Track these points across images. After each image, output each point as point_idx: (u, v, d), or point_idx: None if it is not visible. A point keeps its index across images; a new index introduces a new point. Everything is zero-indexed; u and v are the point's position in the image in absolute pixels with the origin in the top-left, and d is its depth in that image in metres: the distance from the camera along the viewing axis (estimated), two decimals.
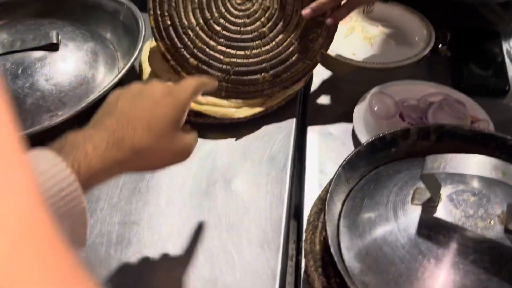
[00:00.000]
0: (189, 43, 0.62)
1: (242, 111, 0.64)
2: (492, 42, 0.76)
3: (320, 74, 0.74)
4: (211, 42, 0.62)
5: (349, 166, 0.49)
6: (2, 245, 0.14)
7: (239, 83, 0.63)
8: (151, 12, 0.62)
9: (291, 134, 0.64)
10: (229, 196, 0.56)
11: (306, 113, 0.69)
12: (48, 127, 0.58)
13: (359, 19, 0.83)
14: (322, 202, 0.49)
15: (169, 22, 0.62)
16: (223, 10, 0.62)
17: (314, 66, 0.65)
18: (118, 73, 0.65)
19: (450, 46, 0.77)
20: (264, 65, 0.63)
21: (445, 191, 0.42)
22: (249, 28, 0.62)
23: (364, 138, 0.60)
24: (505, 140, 0.49)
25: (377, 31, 0.81)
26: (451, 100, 0.65)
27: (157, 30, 0.63)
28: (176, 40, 0.62)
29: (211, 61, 0.63)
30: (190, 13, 0.62)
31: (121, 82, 0.70)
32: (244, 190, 0.57)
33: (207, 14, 0.62)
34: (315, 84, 0.72)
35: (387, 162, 0.52)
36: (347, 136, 0.64)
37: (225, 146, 0.63)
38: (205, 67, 0.63)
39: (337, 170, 0.47)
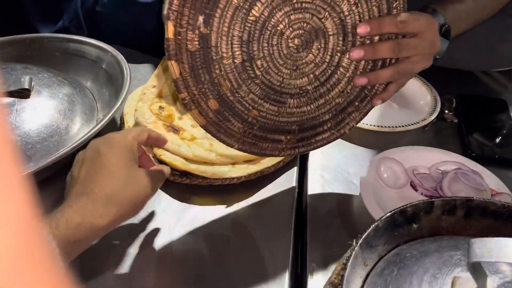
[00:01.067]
0: (216, 79, 0.47)
1: (235, 170, 0.56)
2: (500, 111, 0.73)
3: None
4: (244, 87, 0.48)
5: (366, 244, 0.41)
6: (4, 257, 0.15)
7: (259, 139, 0.52)
8: (172, 17, 0.42)
9: (291, 204, 0.56)
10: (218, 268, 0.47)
11: (306, 176, 0.61)
12: None
13: None
14: None
15: (197, 45, 0.44)
16: (272, 50, 0.48)
17: (338, 138, 0.56)
18: (96, 125, 0.57)
19: (456, 113, 0.72)
20: (294, 127, 0.53)
21: (491, 281, 0.34)
22: (292, 81, 0.50)
23: (373, 209, 0.52)
24: None
25: None
26: (465, 169, 0.59)
27: (176, 47, 0.43)
28: (200, 71, 0.45)
29: (236, 109, 0.49)
30: (232, 41, 0.46)
31: (99, 134, 0.63)
32: (238, 269, 0.48)
33: (253, 49, 0.47)
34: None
35: (408, 240, 0.44)
36: (352, 205, 0.57)
37: (213, 214, 0.54)
38: (227, 115, 0.49)
39: (353, 248, 0.39)
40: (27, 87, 0.60)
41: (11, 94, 0.60)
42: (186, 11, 0.42)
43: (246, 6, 0.44)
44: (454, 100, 0.74)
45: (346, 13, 0.48)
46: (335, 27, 0.49)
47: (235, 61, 0.46)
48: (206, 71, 0.45)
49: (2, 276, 0.15)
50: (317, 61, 0.50)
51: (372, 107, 0.55)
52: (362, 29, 0.49)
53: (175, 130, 0.61)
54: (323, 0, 0.47)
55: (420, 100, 0.74)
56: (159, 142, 0.51)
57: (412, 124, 0.68)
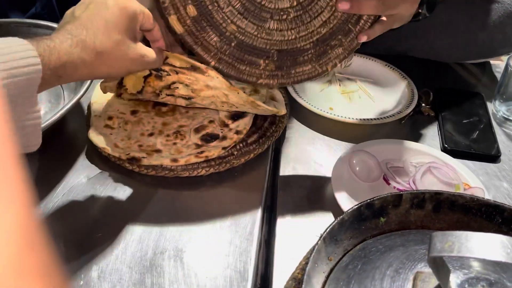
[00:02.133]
0: None
1: (203, 156, 0.55)
2: (477, 104, 0.72)
3: (294, 127, 0.66)
4: None
5: (330, 238, 0.39)
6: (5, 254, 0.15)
7: (237, 59, 0.52)
8: None
9: (260, 194, 0.54)
10: (180, 271, 0.45)
11: (278, 170, 0.60)
12: None
13: (336, 73, 0.77)
14: (296, 283, 0.39)
15: None
16: None
17: (319, 75, 0.55)
18: (59, 110, 0.55)
19: (432, 106, 0.71)
20: (272, 50, 0.52)
21: (455, 277, 0.33)
22: (274, 1, 0.50)
23: (345, 204, 0.51)
24: None
25: (355, 86, 0.75)
26: (439, 163, 0.58)
27: None
28: None
29: (214, 19, 0.50)
30: None
31: (65, 120, 0.61)
32: (199, 263, 0.46)
33: None
34: (288, 139, 0.64)
35: (375, 234, 0.43)
36: (324, 198, 0.55)
37: (179, 204, 0.53)
38: (204, 24, 0.49)
39: (316, 243, 0.38)
40: None
41: None
42: None
43: None
44: (431, 93, 0.73)
45: None
46: None
47: None
48: None
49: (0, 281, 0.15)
50: None
51: (357, 45, 0.54)
52: None
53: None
54: None
55: (397, 92, 0.73)
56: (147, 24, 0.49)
57: (388, 117, 0.66)
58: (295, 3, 0.50)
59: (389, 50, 0.84)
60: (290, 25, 0.52)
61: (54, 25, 0.71)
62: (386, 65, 0.78)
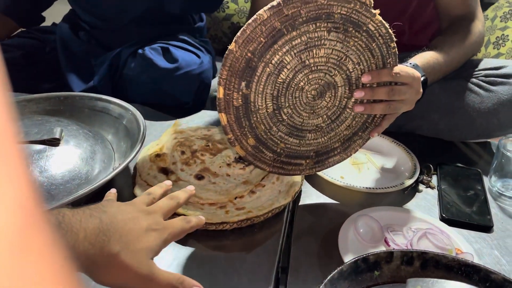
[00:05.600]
0: (254, 124, 0.62)
1: (228, 217, 0.64)
2: (474, 179, 0.80)
3: (308, 192, 0.76)
4: (274, 128, 0.64)
5: (331, 285, 0.47)
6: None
7: (285, 164, 0.67)
8: (222, 83, 0.58)
9: (275, 251, 0.63)
10: None
11: (292, 230, 0.68)
12: None
13: None
14: None
15: (241, 102, 0.60)
16: (295, 101, 0.63)
17: (345, 159, 0.71)
18: (111, 172, 0.66)
19: (433, 179, 0.80)
20: (312, 154, 0.68)
21: None
22: (310, 121, 0.66)
23: (347, 259, 0.59)
24: (488, 273, 0.48)
25: (364, 159, 0.85)
26: (435, 230, 0.66)
27: (224, 103, 0.59)
28: (242, 119, 0.61)
29: (268, 143, 0.65)
30: (266, 97, 0.61)
31: (113, 181, 0.72)
32: None
33: (281, 101, 0.62)
34: (303, 201, 0.74)
35: (370, 285, 0.50)
36: (331, 256, 0.63)
37: (205, 253, 0.62)
38: (261, 148, 0.65)
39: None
40: (58, 136, 0.71)
41: (44, 142, 0.70)
42: (233, 79, 0.58)
43: (276, 72, 0.59)
44: (433, 167, 0.82)
45: (351, 70, 0.63)
46: (342, 81, 0.64)
47: (268, 110, 0.62)
48: (247, 119, 0.61)
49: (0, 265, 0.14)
50: (329, 106, 0.66)
51: (370, 135, 0.70)
52: (365, 78, 0.63)
53: (166, 172, 0.73)
54: (333, 62, 0.62)
55: (401, 166, 0.82)
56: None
57: (391, 187, 0.75)
58: (326, 118, 0.67)
59: (399, 128, 0.94)
60: (323, 134, 0.68)
61: (110, 98, 0.86)
62: (393, 141, 0.88)
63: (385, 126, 0.69)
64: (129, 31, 1.13)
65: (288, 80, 0.61)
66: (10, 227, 0.15)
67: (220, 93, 0.58)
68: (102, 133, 0.81)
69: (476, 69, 0.90)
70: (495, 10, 1.41)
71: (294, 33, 0.57)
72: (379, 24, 0.60)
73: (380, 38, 0.62)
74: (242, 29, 0.56)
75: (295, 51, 0.59)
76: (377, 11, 0.59)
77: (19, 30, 1.24)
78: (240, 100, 0.59)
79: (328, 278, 0.47)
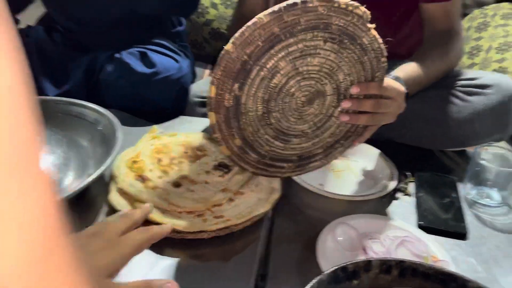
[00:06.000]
0: (242, 126, 0.62)
1: (206, 225, 0.63)
2: (450, 187, 0.81)
3: (287, 199, 0.75)
4: (261, 131, 0.64)
5: None
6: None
7: (268, 166, 0.68)
8: (215, 83, 0.57)
9: (254, 259, 0.62)
10: None
11: (271, 238, 0.68)
12: None
13: None
14: None
15: (232, 103, 0.59)
16: (285, 106, 0.64)
17: (325, 165, 0.73)
18: (86, 180, 0.65)
19: (411, 187, 0.81)
20: (294, 158, 0.69)
21: None
22: (297, 127, 0.66)
23: (326, 267, 0.59)
24: (465, 282, 0.49)
25: (343, 165, 0.85)
26: (412, 238, 0.66)
27: (215, 103, 0.59)
28: (232, 120, 0.61)
29: (254, 145, 0.65)
30: (258, 100, 0.61)
31: (88, 189, 0.70)
32: None
33: (271, 105, 0.63)
34: (282, 209, 0.73)
35: None
36: (310, 264, 0.63)
37: (182, 262, 0.60)
38: (247, 149, 0.65)
39: None
40: None
41: None
42: (227, 80, 0.57)
43: (269, 76, 0.60)
44: (411, 175, 0.83)
45: (341, 80, 0.64)
46: (332, 90, 0.65)
47: (257, 113, 0.63)
48: (236, 120, 0.61)
49: (23, 281, 0.14)
50: (316, 113, 0.67)
51: (352, 145, 0.73)
52: (354, 90, 0.65)
53: (143, 179, 0.70)
54: (325, 71, 0.62)
55: (379, 173, 0.83)
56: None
57: (370, 194, 0.76)
58: (312, 125, 0.67)
59: (379, 136, 0.95)
60: (307, 139, 0.69)
61: (86, 103, 0.83)
62: (371, 148, 0.89)
63: (367, 136, 0.72)
64: (106, 34, 1.11)
65: (280, 85, 0.61)
66: (32, 252, 0.15)
67: (212, 93, 0.58)
68: (77, 139, 0.79)
69: (454, 79, 0.92)
70: (470, 20, 1.45)
71: (292, 40, 0.58)
72: (373, 39, 0.62)
73: (372, 52, 0.63)
74: (240, 30, 0.55)
75: (290, 57, 0.59)
76: (373, 26, 0.61)
77: None
78: (231, 101, 0.59)
79: (307, 287, 0.47)
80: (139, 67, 0.95)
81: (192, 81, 1.16)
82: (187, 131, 0.89)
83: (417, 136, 0.93)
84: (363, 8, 0.59)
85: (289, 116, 0.65)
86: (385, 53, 0.64)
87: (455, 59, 0.90)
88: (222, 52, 0.56)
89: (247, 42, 0.56)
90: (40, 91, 1.05)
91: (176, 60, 1.01)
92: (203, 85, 1.08)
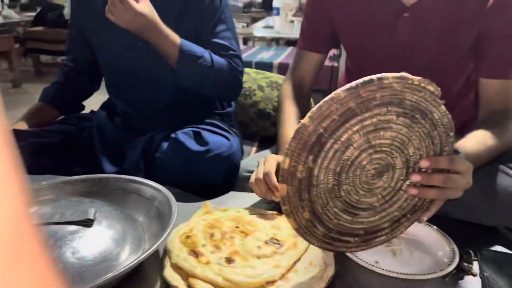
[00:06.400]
0: (313, 198, 0.63)
1: None
2: None
3: (341, 277, 0.72)
4: (331, 203, 0.64)
5: None
6: None
7: (334, 240, 0.67)
8: (290, 154, 0.59)
9: None
10: None
11: None
12: None
13: None
14: None
15: (304, 174, 0.61)
16: (355, 179, 0.64)
17: (390, 240, 0.72)
18: (141, 255, 0.66)
19: (475, 266, 0.76)
20: (361, 232, 0.68)
21: None
22: (365, 200, 0.66)
23: None
24: None
25: (399, 242, 0.82)
26: None
27: (288, 174, 0.60)
28: (303, 192, 0.62)
29: (322, 218, 0.65)
30: (329, 172, 0.62)
31: (143, 263, 0.71)
32: None
33: (342, 178, 0.63)
34: (337, 287, 0.70)
35: None
36: None
37: None
38: (315, 223, 0.65)
39: None
40: (91, 217, 0.72)
41: (77, 223, 0.71)
42: (301, 152, 0.59)
43: (342, 149, 0.61)
44: (473, 253, 0.78)
45: (411, 154, 0.65)
46: (401, 163, 0.66)
47: (328, 185, 0.63)
48: (307, 192, 0.62)
49: None
50: (385, 186, 0.67)
51: (420, 220, 0.71)
52: (424, 163, 0.66)
53: (196, 254, 0.70)
54: (396, 145, 0.63)
55: (438, 250, 0.79)
56: None
57: (431, 273, 0.71)
58: (380, 198, 0.67)
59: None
60: (375, 213, 0.68)
61: (143, 180, 0.88)
62: (427, 224, 0.85)
63: (433, 211, 0.70)
64: (160, 117, 1.19)
65: (352, 158, 0.62)
66: (5, 235, 0.16)
67: (286, 164, 0.59)
68: (134, 214, 0.82)
69: (509, 154, 0.90)
70: None
71: (367, 114, 0.60)
72: (443, 114, 0.64)
73: (441, 126, 0.64)
74: (318, 105, 0.58)
75: (364, 131, 0.61)
76: (443, 101, 0.63)
77: (60, 117, 1.32)
78: (304, 173, 0.60)
79: None
80: (193, 145, 1.00)
81: (241, 158, 1.19)
82: (238, 206, 0.90)
83: (474, 211, 0.89)
84: (434, 85, 0.61)
85: (359, 189, 0.65)
86: (454, 128, 0.65)
87: (511, 139, 0.90)
88: (299, 125, 0.58)
89: (323, 116, 0.58)
90: (99, 170, 1.12)
91: (227, 138, 1.06)
92: (251, 161, 1.11)
